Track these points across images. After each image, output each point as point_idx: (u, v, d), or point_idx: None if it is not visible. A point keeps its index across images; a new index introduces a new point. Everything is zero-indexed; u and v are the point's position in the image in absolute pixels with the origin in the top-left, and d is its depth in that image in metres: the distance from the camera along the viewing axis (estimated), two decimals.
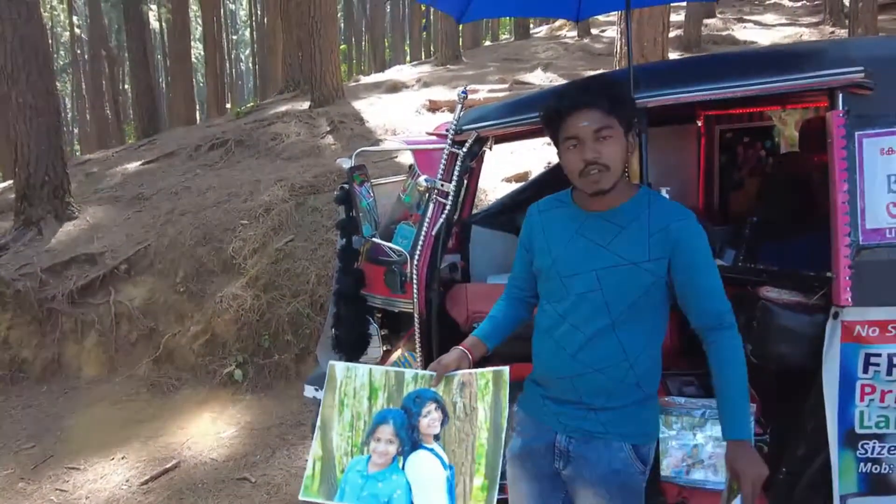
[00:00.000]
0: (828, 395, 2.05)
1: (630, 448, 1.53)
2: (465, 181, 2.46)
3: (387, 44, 38.27)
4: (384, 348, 2.60)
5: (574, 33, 14.48)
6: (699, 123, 3.55)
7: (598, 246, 1.49)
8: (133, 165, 8.68)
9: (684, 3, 11.84)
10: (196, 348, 4.79)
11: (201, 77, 28.13)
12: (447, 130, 2.39)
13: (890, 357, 2.00)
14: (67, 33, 28.53)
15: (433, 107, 8.52)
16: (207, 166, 7.89)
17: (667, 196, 2.53)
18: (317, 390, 3.11)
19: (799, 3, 15.37)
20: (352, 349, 2.52)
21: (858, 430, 2.06)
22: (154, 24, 29.57)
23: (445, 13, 2.68)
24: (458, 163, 2.36)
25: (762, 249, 2.84)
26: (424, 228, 2.40)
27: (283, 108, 10.25)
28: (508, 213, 3.18)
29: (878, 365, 2.02)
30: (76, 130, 30.44)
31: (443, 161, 2.37)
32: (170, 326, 5.03)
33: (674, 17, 13.50)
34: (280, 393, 4.42)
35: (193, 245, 5.41)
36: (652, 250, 1.45)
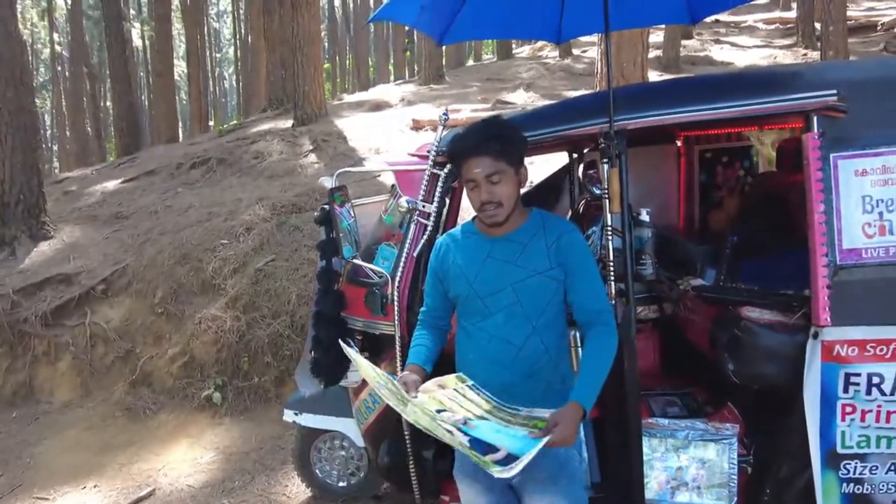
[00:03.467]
0: (809, 415, 2.06)
1: None
2: (448, 201, 2.45)
3: (371, 63, 38.52)
4: None
5: (556, 54, 14.68)
6: (679, 144, 3.60)
7: (508, 263, 1.69)
8: (113, 184, 8.56)
9: (662, 25, 12.10)
10: (174, 371, 4.68)
11: (185, 94, 28.00)
12: (429, 151, 2.38)
13: (869, 377, 2.02)
14: (48, 50, 28.30)
15: (416, 125, 8.55)
16: (188, 185, 7.81)
17: (647, 217, 2.56)
18: (296, 414, 3.05)
19: (773, 26, 15.75)
20: (332, 374, 2.47)
21: (840, 451, 2.06)
22: (137, 41, 29.51)
23: (426, 35, 2.68)
24: (440, 184, 2.35)
25: (743, 268, 2.86)
26: (406, 249, 2.39)
27: (265, 127, 10.22)
28: None
29: (857, 384, 2.03)
30: (56, 148, 30.06)
31: (424, 182, 2.36)
32: (147, 348, 4.92)
33: (653, 39, 13.77)
34: (259, 416, 4.33)
35: (172, 265, 5.33)
36: (551, 259, 1.68)
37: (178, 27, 25.28)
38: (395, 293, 2.37)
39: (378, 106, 11.05)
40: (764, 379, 2.18)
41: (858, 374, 2.02)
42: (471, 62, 22.40)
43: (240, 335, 4.61)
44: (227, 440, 4.12)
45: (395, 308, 2.37)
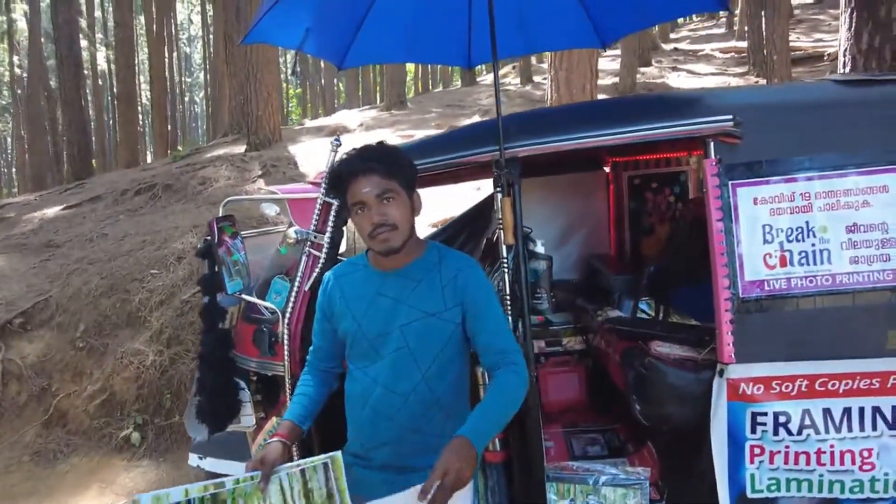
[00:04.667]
0: (717, 458, 1.93)
1: None
2: (345, 231, 2.30)
3: (342, 88, 38.61)
4: (258, 416, 2.36)
5: (518, 81, 14.84)
6: (607, 170, 3.53)
7: (398, 302, 1.53)
8: (53, 210, 8.24)
9: (618, 52, 12.32)
10: (91, 409, 4.39)
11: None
12: (322, 179, 2.24)
13: (776, 416, 1.91)
14: (8, 73, 27.71)
15: None
16: (131, 212, 7.55)
17: (542, 249, 2.45)
18: (200, 458, 2.82)
19: (728, 55, 16.19)
20: (217, 418, 2.27)
21: (750, 495, 1.94)
22: (103, 64, 29.09)
23: (327, 61, 2.55)
24: (333, 213, 2.20)
25: (673, 296, 2.76)
26: (297, 283, 2.22)
27: (219, 152, 10.03)
28: None
29: (765, 424, 1.92)
30: (14, 172, 29.25)
31: (316, 211, 2.21)
32: (65, 385, 4.62)
33: (612, 66, 14.02)
34: (180, 457, 4.06)
35: (98, 296, 5.06)
36: (447, 300, 1.53)
37: (146, 51, 25.02)
38: (286, 330, 2.20)
39: (336, 131, 10.93)
40: (671, 420, 2.06)
41: (765, 414, 1.91)
42: (440, 88, 22.60)
43: (162, 370, 4.36)
44: (143, 484, 3.85)
45: (286, 346, 2.19)
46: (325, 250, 2.20)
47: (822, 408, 1.89)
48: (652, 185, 3.50)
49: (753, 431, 1.92)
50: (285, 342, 2.19)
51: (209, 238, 2.18)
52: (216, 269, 2.19)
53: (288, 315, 2.20)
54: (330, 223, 2.19)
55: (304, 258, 2.21)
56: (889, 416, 1.88)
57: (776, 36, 7.98)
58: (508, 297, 1.99)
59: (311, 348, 1.72)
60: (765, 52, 9.70)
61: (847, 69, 4.15)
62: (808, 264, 1.90)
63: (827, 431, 1.89)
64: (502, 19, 2.39)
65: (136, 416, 4.27)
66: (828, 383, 1.88)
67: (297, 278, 2.21)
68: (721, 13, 28.42)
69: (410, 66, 33.63)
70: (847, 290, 1.88)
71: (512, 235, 1.95)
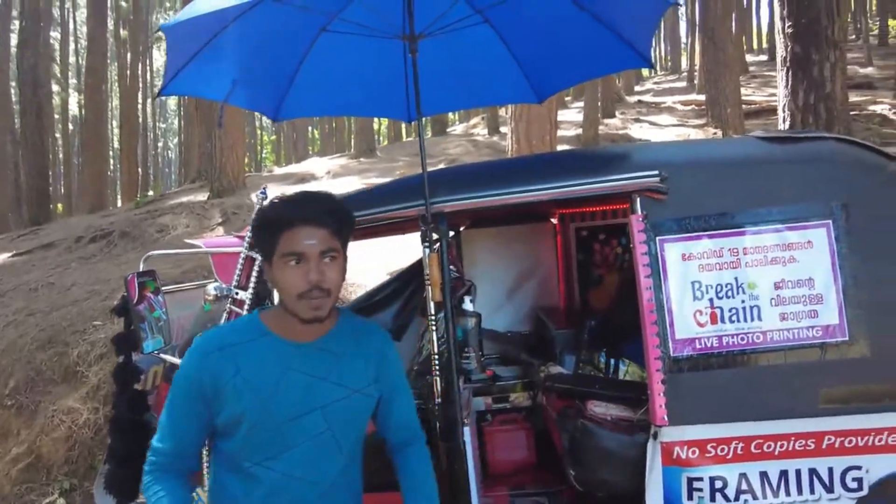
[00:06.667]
0: None
1: None
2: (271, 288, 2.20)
3: (316, 135, 38.94)
4: None
5: (485, 132, 15.12)
6: (554, 221, 3.52)
7: (318, 379, 1.30)
8: (2, 258, 7.94)
9: (581, 104, 12.67)
10: (14, 474, 4.09)
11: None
12: (247, 233, 2.16)
13: (712, 481, 1.83)
14: None
15: None
16: (84, 259, 7.31)
17: (470, 306, 2.38)
18: None
19: (689, 107, 16.82)
20: (126, 488, 2.09)
21: None
22: (75, 109, 28.89)
23: (260, 113, 2.52)
24: (256, 268, 2.11)
25: (625, 350, 2.69)
26: None
27: (183, 199, 9.90)
28: (366, 315, 2.93)
29: (701, 490, 1.84)
30: None
31: (239, 266, 2.12)
32: None
33: (577, 117, 14.41)
34: None
35: (34, 350, 4.80)
36: (369, 373, 1.38)
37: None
38: None
39: (303, 179, 10.94)
40: (606, 486, 1.96)
41: (701, 479, 1.83)
42: (412, 137, 22.89)
43: (96, 430, 4.10)
44: None
45: None
46: (246, 308, 2.09)
47: (758, 471, 1.82)
48: (599, 236, 3.50)
49: (690, 498, 1.84)
50: None
51: (126, 294, 2.07)
52: (131, 327, 2.07)
53: None
54: (253, 278, 2.10)
55: (224, 316, 2.10)
56: (826, 479, 1.82)
57: (729, 91, 8.32)
58: (436, 357, 1.91)
59: (156, 443, 1.31)
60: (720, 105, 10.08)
61: (786, 124, 4.29)
62: (738, 321, 1.86)
63: (765, 496, 1.82)
64: (442, 74, 2.41)
65: (64, 480, 3.98)
66: (763, 445, 1.82)
67: None
68: (682, 68, 29.67)
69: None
70: (778, 347, 1.85)
71: (439, 292, 1.88)
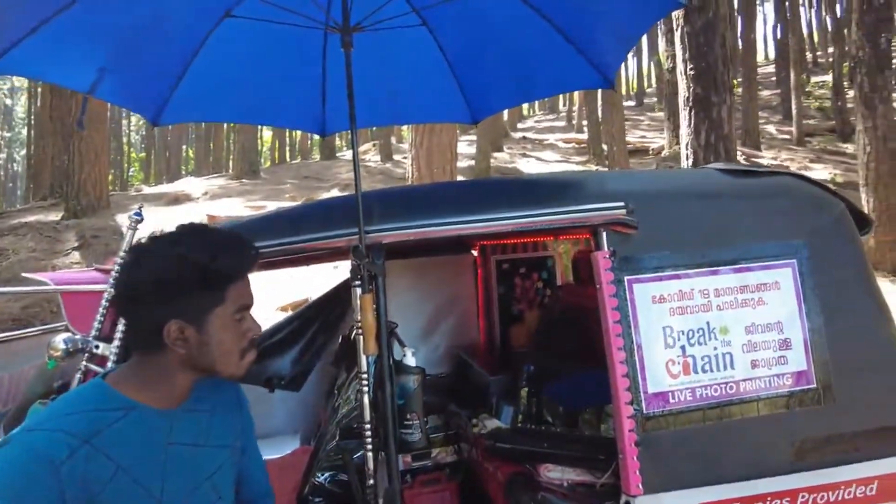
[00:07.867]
0: None
1: None
2: None
3: (191, 154, 36.41)
4: None
5: (378, 158, 14.83)
6: (475, 253, 3.26)
7: (199, 447, 1.13)
8: None
9: (474, 137, 12.85)
10: None
11: None
12: (114, 265, 1.64)
13: None
14: None
15: (212, 222, 7.62)
16: None
17: (412, 360, 2.03)
18: None
19: (570, 145, 17.77)
20: None
21: None
22: None
23: (138, 114, 2.02)
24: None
25: (546, 390, 2.43)
26: None
27: (30, 218, 8.52)
28: (256, 361, 2.42)
29: None
30: None
31: (101, 311, 1.59)
32: None
33: (469, 150, 14.59)
34: None
35: None
36: (236, 425, 1.24)
37: None
38: None
39: (177, 199, 9.91)
40: None
41: None
42: (297, 160, 22.03)
43: None
44: None
45: None
46: (110, 365, 1.57)
47: None
48: (520, 269, 3.28)
49: None
50: None
51: None
52: None
53: None
54: (120, 327, 1.58)
55: (77, 378, 1.55)
56: None
57: (615, 130, 8.75)
58: (368, 424, 1.52)
59: None
60: (604, 144, 10.60)
61: (689, 162, 4.41)
62: (711, 370, 1.68)
63: None
64: (367, 82, 2.05)
65: None
66: None
67: None
68: (561, 107, 31.58)
69: (267, 136, 32.84)
70: (750, 398, 1.68)
71: (374, 343, 1.50)
